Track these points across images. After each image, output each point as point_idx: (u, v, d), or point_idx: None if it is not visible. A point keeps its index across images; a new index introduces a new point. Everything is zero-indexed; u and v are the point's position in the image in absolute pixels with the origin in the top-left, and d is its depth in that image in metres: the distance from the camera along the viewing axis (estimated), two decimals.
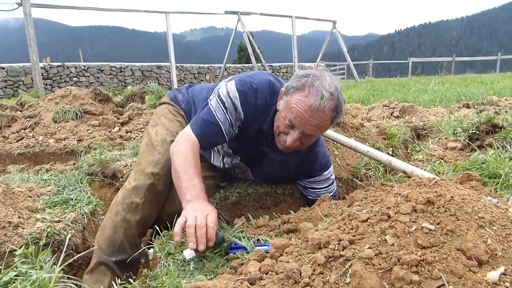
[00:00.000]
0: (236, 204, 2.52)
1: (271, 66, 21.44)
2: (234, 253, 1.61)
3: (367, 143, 3.22)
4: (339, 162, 2.78)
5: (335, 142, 2.74)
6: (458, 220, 1.01)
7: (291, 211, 2.01)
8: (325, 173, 2.27)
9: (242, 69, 20.96)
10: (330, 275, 1.05)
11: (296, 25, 17.93)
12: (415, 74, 24.52)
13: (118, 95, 7.07)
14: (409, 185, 1.32)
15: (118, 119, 5.36)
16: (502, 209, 1.07)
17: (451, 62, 26.21)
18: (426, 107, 5.78)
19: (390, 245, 1.03)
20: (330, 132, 2.53)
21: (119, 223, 1.97)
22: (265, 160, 2.21)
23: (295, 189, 2.51)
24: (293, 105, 1.78)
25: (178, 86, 15.88)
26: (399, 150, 3.47)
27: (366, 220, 1.16)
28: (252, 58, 17.24)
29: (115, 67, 16.71)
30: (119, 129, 5.09)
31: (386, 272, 0.98)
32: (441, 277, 0.91)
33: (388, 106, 5.22)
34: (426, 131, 4.08)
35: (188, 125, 1.99)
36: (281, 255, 1.33)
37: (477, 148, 2.74)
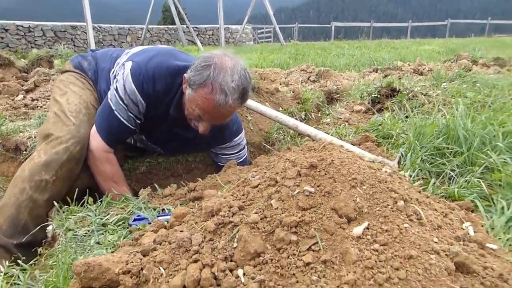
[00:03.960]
0: (146, 174, 2.49)
1: (196, 28, 20.77)
2: (137, 225, 1.59)
3: (281, 108, 3.31)
4: (252, 128, 2.84)
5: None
6: (335, 182, 1.09)
7: (200, 179, 2.03)
8: (236, 139, 2.31)
9: (166, 30, 20.04)
10: (219, 241, 1.09)
11: None
12: (338, 39, 25.30)
13: (22, 59, 6.41)
14: (301, 150, 1.38)
15: (22, 86, 4.88)
16: (374, 169, 1.17)
17: (370, 27, 27.45)
18: (341, 72, 6.04)
19: (275, 209, 1.09)
20: None
21: (25, 202, 1.81)
22: (177, 139, 2.21)
23: (207, 155, 2.53)
24: (199, 102, 1.77)
25: (96, 48, 14.82)
26: (312, 114, 3.61)
27: (257, 186, 1.21)
28: (176, 20, 16.54)
29: (22, 26, 14.96)
30: (24, 97, 4.66)
31: (269, 234, 1.04)
32: (316, 235, 0.99)
33: (305, 70, 5.36)
34: (338, 95, 4.28)
35: (95, 128, 1.97)
36: (180, 224, 1.35)
37: (377, 111, 2.96)
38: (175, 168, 2.54)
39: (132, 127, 1.99)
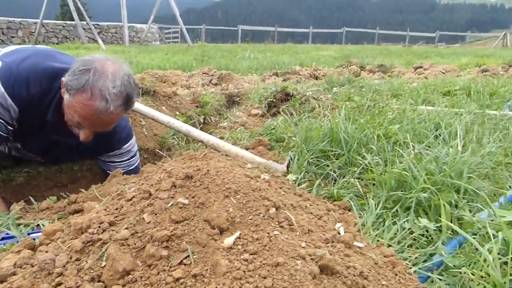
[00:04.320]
0: (24, 185, 2.24)
1: (98, 25, 19.53)
2: (4, 244, 1.42)
3: (179, 112, 3.24)
4: (146, 133, 2.73)
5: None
6: (210, 193, 1.08)
7: (83, 190, 1.88)
8: (126, 145, 2.19)
9: (63, 26, 18.51)
10: (86, 261, 1.00)
11: None
12: (245, 42, 25.80)
13: None
14: (183, 159, 1.34)
15: None
16: (250, 178, 1.18)
17: (275, 32, 28.50)
18: (243, 75, 6.15)
19: (147, 223, 1.04)
20: None
21: None
22: (57, 146, 2.02)
23: (95, 163, 2.36)
24: (78, 108, 1.63)
25: None
26: (212, 117, 3.60)
27: (131, 199, 1.14)
28: (75, 15, 15.41)
29: None
30: None
31: (140, 250, 0.99)
32: (187, 248, 0.96)
33: (207, 73, 5.35)
34: (239, 98, 4.34)
35: None
36: (50, 242, 1.22)
37: (272, 115, 3.05)
38: (58, 178, 2.33)
39: (3, 134, 1.79)
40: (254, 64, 7.82)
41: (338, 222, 1.35)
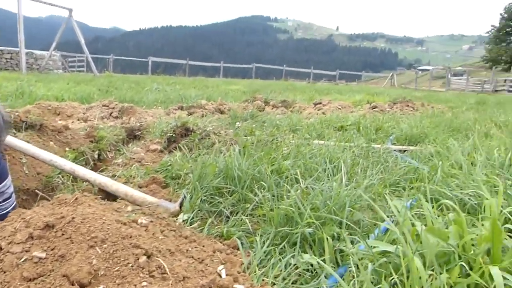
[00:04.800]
0: None
1: None
2: None
3: (69, 148, 3.00)
4: (27, 171, 2.46)
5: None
6: (72, 243, 0.98)
7: None
8: None
9: None
10: None
11: (26, 6, 15.47)
12: (156, 73, 25.46)
13: None
14: (51, 204, 1.22)
15: None
16: (122, 224, 1.11)
17: (186, 64, 28.63)
18: (148, 108, 6.00)
19: None
20: (7, 139, 2.19)
21: None
22: None
23: None
24: None
25: None
26: (108, 153, 3.41)
27: None
28: None
29: None
30: None
31: None
32: None
33: (107, 106, 5.10)
34: (141, 132, 4.19)
35: None
36: None
37: (170, 150, 2.98)
38: None
39: None
40: (161, 96, 7.69)
41: (222, 263, 1.33)
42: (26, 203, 2.34)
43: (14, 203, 2.09)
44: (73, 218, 1.03)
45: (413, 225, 1.56)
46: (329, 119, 5.05)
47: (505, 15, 36.51)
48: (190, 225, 1.83)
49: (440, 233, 1.48)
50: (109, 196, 2.10)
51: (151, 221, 1.29)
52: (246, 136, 3.62)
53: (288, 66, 35.81)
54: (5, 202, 2.01)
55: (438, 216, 1.74)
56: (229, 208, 1.98)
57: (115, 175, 2.50)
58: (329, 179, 2.26)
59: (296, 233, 1.64)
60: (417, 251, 1.41)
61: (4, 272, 0.92)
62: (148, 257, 1.01)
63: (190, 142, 3.01)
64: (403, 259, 1.38)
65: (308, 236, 1.64)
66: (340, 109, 7.02)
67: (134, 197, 1.95)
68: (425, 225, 1.62)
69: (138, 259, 0.99)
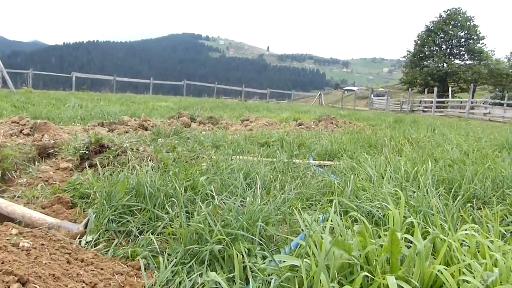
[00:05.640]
0: None
1: None
2: None
3: None
4: None
5: None
6: None
7: None
8: None
9: None
10: None
11: None
12: (82, 89, 24.25)
13: None
14: None
15: None
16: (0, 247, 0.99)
17: (113, 80, 27.55)
18: (65, 124, 5.63)
19: None
20: None
21: None
22: None
23: None
24: None
25: None
26: (13, 172, 3.10)
27: None
28: None
29: None
30: None
31: None
32: None
33: (18, 122, 4.69)
34: (54, 150, 3.89)
35: None
36: None
37: (82, 168, 2.79)
38: None
39: None
40: (81, 113, 7.28)
41: (121, 287, 1.24)
42: None
43: None
44: None
45: (321, 238, 1.59)
46: (254, 135, 5.11)
47: (418, 42, 40.14)
48: (95, 247, 1.71)
49: (344, 245, 1.52)
50: (5, 219, 1.89)
51: (42, 244, 1.17)
52: (167, 152, 3.52)
53: (219, 84, 36.00)
54: None
55: (348, 228, 1.80)
56: (138, 228, 1.88)
57: (16, 196, 2.28)
58: (244, 194, 2.25)
59: (205, 251, 1.60)
60: (324, 264, 1.44)
61: None
62: (23, 284, 0.91)
63: (105, 159, 2.85)
64: (308, 273, 1.40)
65: (217, 254, 1.61)
66: (267, 125, 7.15)
67: (33, 219, 1.79)
68: (335, 237, 1.67)
69: (9, 287, 0.89)
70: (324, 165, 3.85)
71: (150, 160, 2.93)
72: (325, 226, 1.87)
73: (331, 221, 1.74)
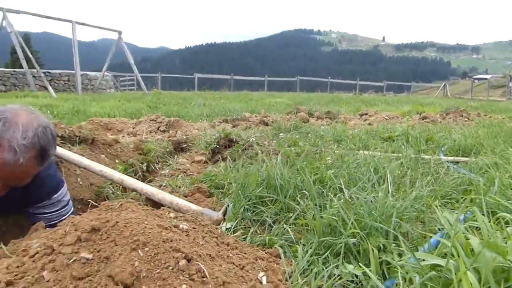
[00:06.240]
0: None
1: (49, 73, 19.06)
2: None
3: (118, 160, 3.14)
4: (81, 182, 2.59)
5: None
6: (116, 246, 1.01)
7: (2, 246, 1.72)
8: (56, 195, 2.06)
9: (12, 74, 17.90)
10: None
11: (80, 31, 16.58)
12: (202, 89, 26.16)
13: None
14: (98, 210, 1.28)
15: None
16: (163, 228, 1.13)
17: (231, 79, 29.23)
18: (194, 121, 6.16)
19: (46, 281, 0.95)
20: (60, 151, 2.33)
21: None
22: None
23: (23, 216, 2.19)
24: None
25: None
26: (156, 164, 3.52)
27: (34, 255, 1.05)
28: (23, 63, 14.98)
29: None
30: None
31: None
32: None
33: (155, 120, 5.30)
34: (186, 145, 4.30)
35: None
36: None
37: (214, 161, 3.03)
38: None
39: None
40: (206, 111, 7.88)
41: (264, 271, 1.31)
42: (81, 212, 2.46)
43: (72, 210, 2.21)
44: (116, 222, 1.07)
45: (466, 238, 1.46)
46: (376, 129, 4.91)
47: None
48: (233, 233, 1.84)
49: (498, 248, 1.37)
50: (156, 205, 2.16)
51: (194, 227, 1.30)
52: (289, 146, 3.61)
53: (333, 78, 35.47)
54: (63, 209, 2.12)
55: (496, 230, 1.63)
56: (272, 217, 1.97)
57: (162, 185, 2.57)
58: (374, 189, 2.18)
59: (340, 243, 1.60)
60: (471, 266, 1.32)
61: (57, 271, 0.96)
62: (188, 260, 1.03)
63: (234, 153, 3.05)
64: (455, 274, 1.30)
65: (352, 247, 1.59)
66: (387, 119, 6.82)
67: (179, 206, 2.00)
68: (482, 239, 1.52)
69: (178, 262, 1.01)
70: (458, 162, 3.51)
71: (275, 154, 3.03)
72: (469, 226, 1.72)
73: (476, 221, 1.59)
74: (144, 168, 3.34)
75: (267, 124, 5.68)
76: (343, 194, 1.98)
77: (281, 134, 4.35)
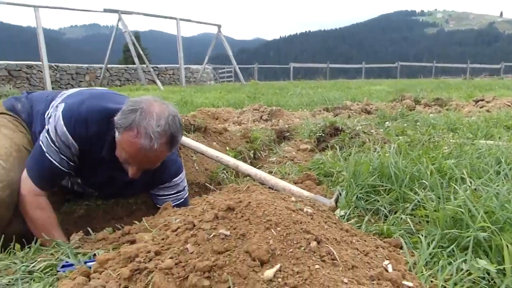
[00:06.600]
0: (84, 217, 2.37)
1: (156, 67, 20.83)
2: (64, 271, 1.50)
3: (228, 147, 3.32)
4: (197, 167, 2.81)
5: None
6: (251, 224, 1.08)
7: (136, 222, 1.96)
8: (175, 179, 2.27)
9: (125, 70, 19.95)
10: None
11: (182, 27, 17.77)
12: (297, 79, 26.18)
13: None
14: (227, 191, 1.37)
15: None
16: (292, 211, 1.18)
17: (327, 68, 28.74)
18: (294, 111, 6.21)
19: (190, 253, 1.06)
20: (182, 138, 2.54)
21: None
22: (113, 182, 2.15)
23: (149, 197, 2.46)
24: (125, 146, 1.75)
25: (52, 88, 14.42)
26: (262, 152, 3.65)
27: (176, 230, 1.18)
28: (136, 60, 16.57)
29: None
30: None
31: (183, 280, 1.01)
32: (228, 279, 0.96)
33: (258, 109, 5.47)
34: (289, 133, 4.37)
35: (26, 172, 1.90)
36: (103, 270, 1.28)
37: (322, 149, 3.03)
38: (115, 210, 2.44)
39: (65, 170, 1.93)
40: (305, 100, 7.89)
41: (387, 259, 1.29)
42: (197, 195, 2.67)
43: (187, 195, 2.41)
44: (249, 202, 1.14)
45: None
46: (496, 117, 4.43)
47: None
48: (347, 221, 1.84)
49: None
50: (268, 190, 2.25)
51: (314, 212, 1.33)
52: (397, 135, 3.45)
53: (438, 62, 32.72)
54: (180, 193, 2.33)
55: None
56: (386, 207, 1.91)
57: (271, 172, 2.66)
58: (504, 183, 1.98)
59: (468, 237, 1.49)
60: None
61: (198, 245, 1.06)
62: (318, 242, 1.06)
63: (340, 141, 3.02)
64: None
65: (483, 241, 1.48)
66: (509, 105, 6.09)
67: (292, 192, 2.05)
68: None
69: (309, 243, 1.04)
70: None
71: (384, 143, 2.92)
72: None
73: None
74: (252, 155, 3.48)
75: (369, 113, 5.49)
76: (468, 186, 1.84)
77: (387, 122, 4.17)
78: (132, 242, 1.73)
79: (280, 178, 2.50)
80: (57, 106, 1.97)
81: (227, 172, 2.77)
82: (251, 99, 9.35)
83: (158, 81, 16.92)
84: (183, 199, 2.30)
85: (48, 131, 1.87)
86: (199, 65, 22.62)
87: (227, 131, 3.56)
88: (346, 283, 0.96)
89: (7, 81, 14.77)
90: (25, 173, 1.92)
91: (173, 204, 2.01)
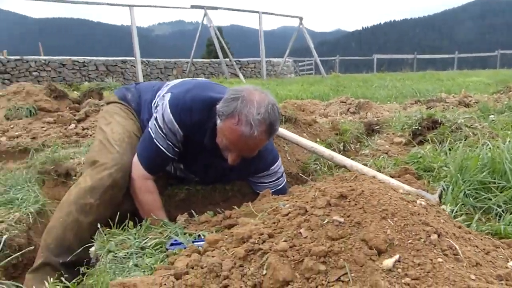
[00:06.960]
0: (184, 201, 2.53)
1: (238, 61, 21.37)
2: (173, 249, 1.63)
3: (319, 139, 3.30)
4: (289, 158, 2.85)
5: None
6: (365, 213, 1.08)
7: (236, 207, 2.05)
8: (273, 167, 2.32)
9: (209, 63, 20.77)
10: (249, 268, 1.09)
11: (263, 20, 18.00)
12: (380, 71, 25.09)
13: (75, 91, 6.88)
14: (333, 180, 1.38)
15: (74, 116, 5.21)
16: (407, 201, 1.14)
17: (414, 59, 27.08)
18: (382, 103, 5.97)
19: (304, 237, 1.09)
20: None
21: (70, 224, 1.93)
22: (214, 168, 2.27)
23: (244, 184, 2.55)
24: (226, 132, 1.83)
25: (143, 81, 15.60)
26: (351, 145, 3.57)
27: (287, 215, 1.21)
28: (219, 54, 17.17)
29: (78, 61, 16.09)
30: (75, 126, 4.96)
31: (298, 263, 1.04)
32: (345, 266, 0.97)
33: (345, 102, 5.35)
34: (378, 127, 4.22)
35: (137, 157, 2.07)
36: (213, 250, 1.37)
37: (418, 143, 2.88)
38: (212, 196, 2.58)
39: (171, 155, 2.07)
40: (393, 92, 7.53)
41: (511, 260, 1.20)
42: (290, 184, 2.70)
43: (285, 181, 2.45)
44: (362, 191, 1.13)
45: None
46: None
47: None
48: (454, 218, 1.73)
49: None
50: None
51: (427, 206, 1.28)
52: (505, 129, 3.14)
53: None
54: (279, 180, 2.38)
55: None
56: (501, 206, 1.77)
57: (366, 164, 2.60)
58: None
59: None
60: None
61: (312, 230, 1.08)
62: (438, 236, 1.01)
63: (439, 135, 2.84)
64: None
65: None
66: None
67: (392, 185, 1.98)
68: None
69: (429, 236, 1.01)
70: None
71: (491, 137, 2.69)
72: None
73: None
74: (341, 147, 3.43)
75: (468, 106, 5.08)
76: None
77: (491, 116, 3.82)
78: (233, 225, 1.82)
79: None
80: (163, 96, 2.12)
81: (319, 163, 2.77)
82: (335, 92, 9.17)
83: (240, 74, 17.37)
84: (281, 186, 2.35)
85: (156, 119, 2.02)
86: (280, 58, 22.72)
87: (316, 122, 3.55)
88: (473, 279, 0.91)
89: (105, 76, 16.25)
90: (135, 158, 2.09)
91: (272, 191, 2.07)
